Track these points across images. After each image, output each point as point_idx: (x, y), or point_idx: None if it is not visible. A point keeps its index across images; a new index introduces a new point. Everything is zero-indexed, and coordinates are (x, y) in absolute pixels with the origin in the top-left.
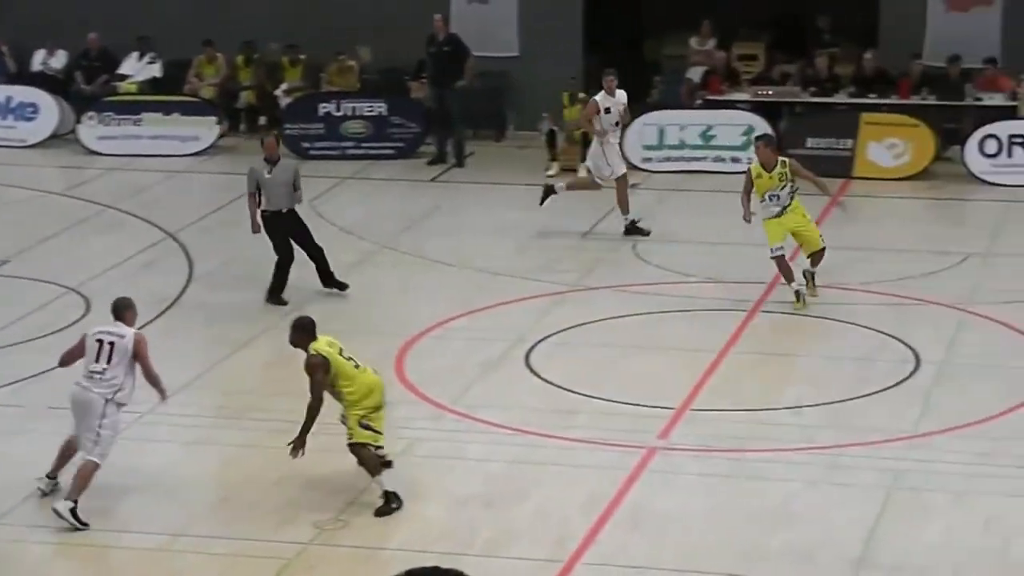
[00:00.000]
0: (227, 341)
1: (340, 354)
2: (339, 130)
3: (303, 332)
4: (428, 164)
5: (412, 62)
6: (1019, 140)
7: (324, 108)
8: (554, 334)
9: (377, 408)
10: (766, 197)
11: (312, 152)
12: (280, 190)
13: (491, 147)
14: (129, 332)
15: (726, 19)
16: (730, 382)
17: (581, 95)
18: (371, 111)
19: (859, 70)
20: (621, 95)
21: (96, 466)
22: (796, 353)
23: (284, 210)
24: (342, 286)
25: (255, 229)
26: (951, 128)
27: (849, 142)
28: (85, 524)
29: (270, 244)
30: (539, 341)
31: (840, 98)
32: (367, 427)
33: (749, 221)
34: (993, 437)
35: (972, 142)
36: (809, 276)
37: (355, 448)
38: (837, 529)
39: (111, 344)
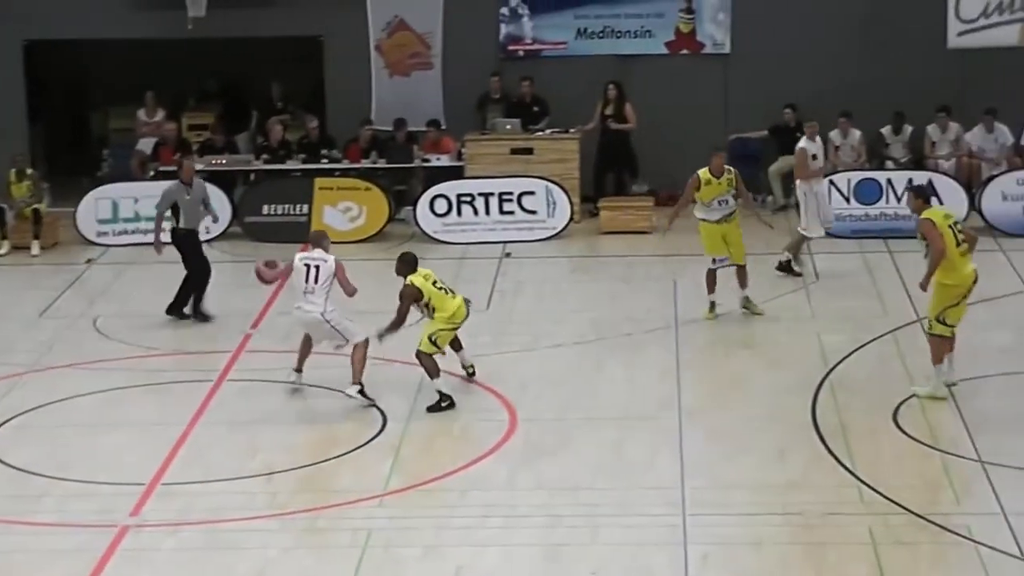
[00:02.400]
0: None
1: (434, 285)
2: None
3: (404, 264)
4: None
5: None
6: (467, 199)
7: None
8: (15, 417)
9: (455, 326)
10: (714, 203)
11: None
12: (198, 209)
13: None
14: (330, 258)
15: (174, 90)
16: (200, 453)
17: (29, 171)
18: None
19: (308, 136)
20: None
21: (362, 344)
22: (265, 420)
23: (198, 229)
24: (205, 317)
25: (159, 250)
26: (402, 190)
27: (305, 207)
28: (372, 400)
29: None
30: None
31: (293, 164)
32: (434, 342)
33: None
34: (458, 489)
35: (423, 202)
36: (746, 300)
37: (419, 355)
38: None
39: (316, 268)
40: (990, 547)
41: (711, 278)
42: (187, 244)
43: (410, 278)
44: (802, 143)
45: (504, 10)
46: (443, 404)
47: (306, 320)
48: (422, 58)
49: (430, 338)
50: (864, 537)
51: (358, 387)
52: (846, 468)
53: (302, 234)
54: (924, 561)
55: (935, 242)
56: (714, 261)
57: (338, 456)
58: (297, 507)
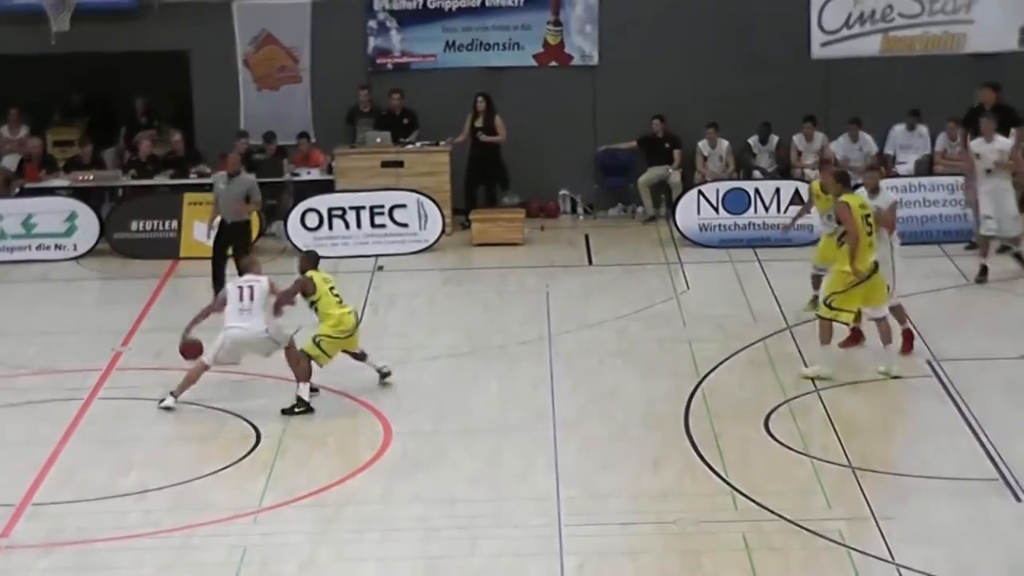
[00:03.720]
0: None
1: (330, 290)
2: None
3: (308, 260)
4: None
5: None
6: (338, 213)
7: None
8: None
9: (343, 336)
10: (823, 217)
11: None
12: (235, 201)
13: None
14: (263, 278)
15: (39, 105)
16: (72, 472)
17: None
18: None
19: (174, 151)
20: (1000, 141)
21: (292, 344)
22: (135, 438)
23: (230, 221)
24: None
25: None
26: (272, 204)
27: (174, 223)
28: (315, 394)
29: None
30: None
31: (162, 180)
32: (318, 344)
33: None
34: (334, 504)
35: (294, 217)
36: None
37: (301, 352)
38: None
39: (251, 288)
40: (861, 551)
41: (814, 280)
42: (219, 233)
43: (309, 272)
44: (973, 143)
45: (372, 23)
46: (296, 409)
47: (246, 338)
48: (290, 71)
49: (315, 340)
50: (738, 544)
51: (308, 385)
52: (719, 476)
53: (172, 250)
54: (797, 566)
55: (851, 226)
56: (815, 267)
57: (212, 473)
58: (171, 525)
